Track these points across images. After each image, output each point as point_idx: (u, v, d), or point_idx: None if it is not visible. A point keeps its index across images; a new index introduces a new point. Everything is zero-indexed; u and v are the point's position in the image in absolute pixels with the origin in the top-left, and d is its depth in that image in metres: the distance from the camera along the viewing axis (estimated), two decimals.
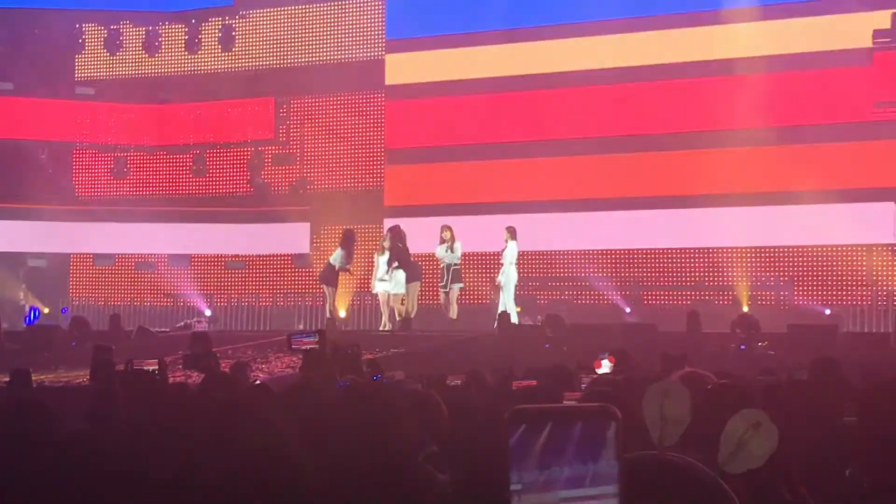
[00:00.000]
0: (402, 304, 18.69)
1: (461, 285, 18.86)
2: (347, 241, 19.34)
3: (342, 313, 19.81)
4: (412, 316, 18.82)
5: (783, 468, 3.60)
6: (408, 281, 18.58)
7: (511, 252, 18.60)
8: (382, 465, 3.69)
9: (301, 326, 21.08)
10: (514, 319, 18.27)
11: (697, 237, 20.56)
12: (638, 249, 21.00)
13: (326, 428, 4.08)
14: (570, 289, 20.78)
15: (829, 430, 4.06)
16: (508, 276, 18.58)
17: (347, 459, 3.68)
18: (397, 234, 18.83)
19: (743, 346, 15.23)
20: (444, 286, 18.73)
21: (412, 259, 18.89)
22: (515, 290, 18.70)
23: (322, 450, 3.82)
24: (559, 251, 20.60)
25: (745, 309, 19.24)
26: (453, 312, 18.68)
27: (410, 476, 3.77)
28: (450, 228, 18.81)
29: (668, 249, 20.82)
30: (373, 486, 3.56)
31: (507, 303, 18.45)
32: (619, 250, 21.08)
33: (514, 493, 1.62)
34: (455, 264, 18.63)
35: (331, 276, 19.14)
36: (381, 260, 18.74)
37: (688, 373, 5.03)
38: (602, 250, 21.14)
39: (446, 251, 18.64)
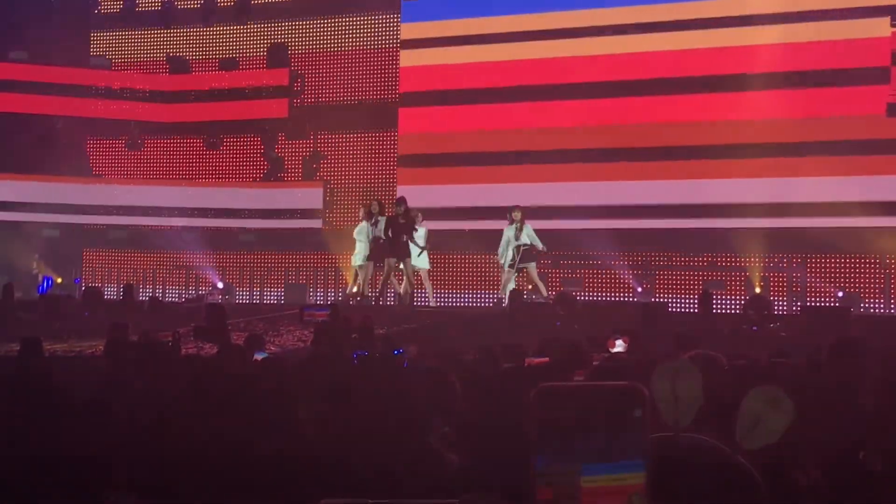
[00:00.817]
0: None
1: (534, 263, 18.49)
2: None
3: (354, 288, 19.77)
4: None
5: (795, 451, 3.58)
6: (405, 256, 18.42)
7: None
8: (394, 440, 3.69)
9: (314, 301, 21.16)
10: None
11: (710, 217, 20.47)
12: (651, 228, 20.93)
13: (339, 401, 4.08)
14: (581, 267, 20.74)
15: (846, 413, 4.04)
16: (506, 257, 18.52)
17: (360, 433, 3.67)
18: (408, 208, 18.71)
19: (755, 328, 15.19)
20: (512, 265, 18.27)
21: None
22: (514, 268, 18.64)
23: (334, 423, 3.82)
24: (571, 229, 20.51)
25: (758, 290, 19.20)
26: (543, 290, 18.35)
27: (422, 453, 3.76)
28: (521, 209, 18.49)
29: (681, 229, 20.74)
30: (384, 461, 3.55)
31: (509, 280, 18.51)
32: (632, 229, 21.02)
33: (539, 472, 1.58)
34: (525, 245, 18.28)
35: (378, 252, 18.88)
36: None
37: (698, 354, 5.00)
38: (614, 229, 21.07)
39: (514, 232, 18.22)
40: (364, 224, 19.05)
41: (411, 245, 18.41)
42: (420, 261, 18.70)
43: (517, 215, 18.30)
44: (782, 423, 2.88)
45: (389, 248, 18.36)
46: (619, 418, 1.61)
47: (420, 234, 18.69)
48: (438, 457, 3.89)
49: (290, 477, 3.42)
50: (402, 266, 18.45)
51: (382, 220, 18.71)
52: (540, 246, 18.27)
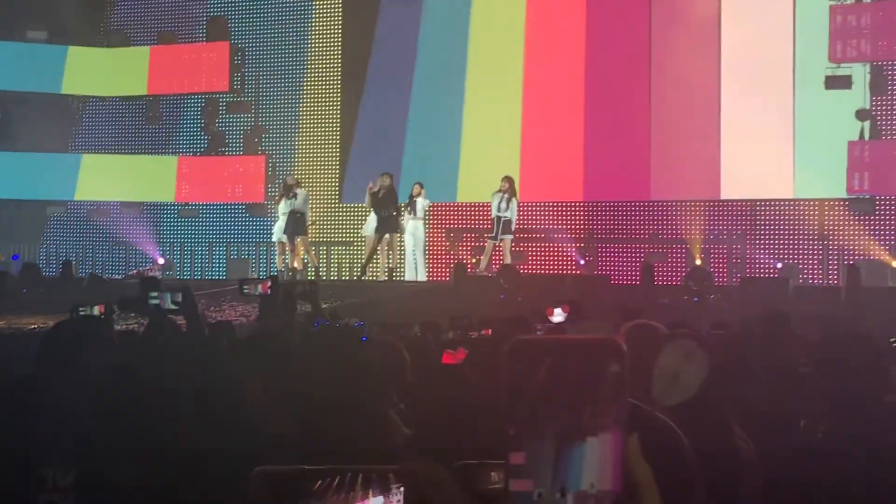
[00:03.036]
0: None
1: (511, 237, 18.49)
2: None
3: (296, 263, 19.73)
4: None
5: (724, 415, 3.61)
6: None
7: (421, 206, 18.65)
8: (350, 412, 3.67)
9: (256, 275, 21.02)
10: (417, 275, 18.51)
11: (653, 189, 20.61)
12: (593, 202, 21.04)
13: (291, 374, 4.05)
14: (524, 241, 20.80)
15: (783, 381, 4.08)
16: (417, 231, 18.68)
17: (314, 407, 3.65)
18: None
19: (696, 299, 15.35)
20: (494, 237, 18.30)
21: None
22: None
23: (288, 396, 3.79)
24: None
25: (698, 262, 19.37)
26: (507, 260, 18.25)
27: (379, 422, 3.75)
28: (510, 179, 18.45)
29: (623, 203, 20.88)
30: (340, 433, 3.53)
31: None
32: (575, 203, 21.11)
33: (512, 432, 1.51)
34: (507, 217, 18.21)
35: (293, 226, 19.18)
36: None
37: (640, 323, 5.02)
38: (557, 203, 21.16)
39: (500, 202, 18.18)
40: (283, 201, 19.32)
41: (414, 222, 18.42)
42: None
43: (505, 185, 18.28)
44: (698, 375, 2.88)
45: (378, 223, 18.39)
46: (594, 375, 1.54)
47: (419, 205, 18.60)
48: (395, 427, 3.88)
49: (235, 449, 3.38)
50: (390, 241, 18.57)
51: (301, 193, 18.89)
52: (514, 220, 18.33)
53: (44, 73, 24.03)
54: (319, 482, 1.56)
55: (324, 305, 11.02)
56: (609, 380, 1.52)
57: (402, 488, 1.57)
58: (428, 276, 19.57)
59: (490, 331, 7.74)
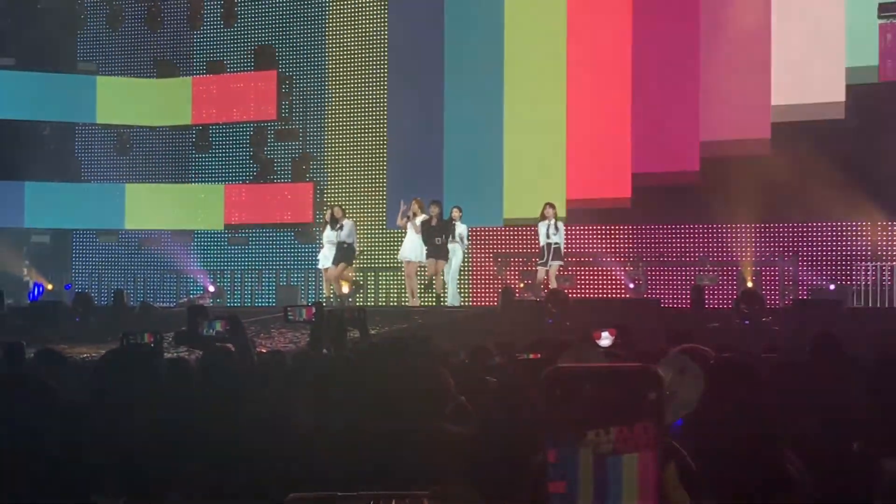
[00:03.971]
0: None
1: (561, 262, 18.55)
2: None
3: (345, 289, 19.79)
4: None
5: (784, 444, 3.56)
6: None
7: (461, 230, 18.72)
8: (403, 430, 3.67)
9: (303, 301, 21.13)
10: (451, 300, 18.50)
11: (701, 212, 20.47)
12: (642, 225, 20.93)
13: (334, 395, 4.07)
14: (573, 265, 20.72)
15: (835, 405, 4.03)
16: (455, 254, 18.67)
17: (353, 425, 3.66)
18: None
19: (747, 322, 15.19)
20: (544, 263, 18.35)
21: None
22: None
23: (330, 417, 3.80)
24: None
25: (749, 284, 19.20)
26: (553, 284, 18.26)
27: (434, 434, 3.74)
28: (553, 206, 18.49)
29: (672, 225, 20.76)
30: (379, 450, 3.53)
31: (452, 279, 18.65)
32: (624, 226, 21.02)
33: (550, 458, 1.53)
34: (556, 243, 18.30)
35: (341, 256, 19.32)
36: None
37: (687, 348, 4.98)
38: (606, 227, 21.08)
39: (548, 229, 18.25)
40: (328, 229, 19.37)
41: (451, 245, 18.47)
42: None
43: (550, 212, 18.32)
44: (694, 392, 2.84)
45: (430, 250, 18.54)
46: (631, 401, 1.55)
47: (458, 229, 18.66)
48: (437, 435, 3.88)
49: (286, 475, 3.40)
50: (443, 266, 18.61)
51: (347, 224, 18.99)
52: (563, 245, 18.36)
53: (79, 103, 24.40)
54: None
55: (372, 332, 11.04)
56: (647, 407, 1.53)
57: None
58: (461, 301, 19.55)
59: (539, 355, 7.70)
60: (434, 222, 18.55)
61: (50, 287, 23.73)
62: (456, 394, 4.26)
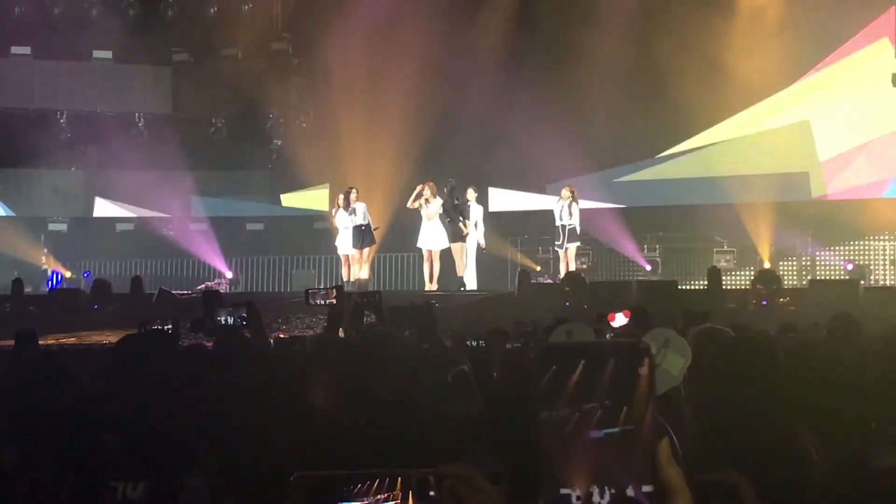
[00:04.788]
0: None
1: (577, 243, 18.47)
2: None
3: (363, 274, 19.78)
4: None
5: (792, 420, 3.56)
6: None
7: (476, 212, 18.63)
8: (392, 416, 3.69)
9: (321, 285, 21.14)
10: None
11: (720, 193, 20.42)
12: (659, 206, 20.90)
13: (353, 383, 4.09)
14: (590, 247, 20.70)
15: (852, 384, 4.03)
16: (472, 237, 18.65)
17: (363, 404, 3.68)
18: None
19: (764, 302, 15.16)
20: (560, 245, 18.28)
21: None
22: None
23: (354, 403, 3.83)
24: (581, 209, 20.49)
25: (767, 265, 19.15)
26: (572, 266, 18.22)
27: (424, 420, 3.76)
28: (571, 189, 18.42)
29: (689, 206, 20.71)
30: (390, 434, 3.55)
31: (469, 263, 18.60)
32: (640, 207, 20.99)
33: (544, 433, 1.54)
34: (571, 225, 18.16)
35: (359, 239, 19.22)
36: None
37: (706, 328, 4.99)
38: (622, 207, 21.06)
39: (561, 211, 18.16)
40: (341, 213, 19.21)
41: (464, 226, 18.45)
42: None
43: (566, 193, 18.26)
44: (679, 363, 2.84)
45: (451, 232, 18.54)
46: (623, 376, 1.57)
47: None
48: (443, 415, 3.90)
49: (302, 456, 3.42)
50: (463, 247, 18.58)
51: (360, 207, 18.86)
52: (578, 227, 18.30)
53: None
54: (359, 485, 1.59)
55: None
56: (639, 381, 1.55)
57: (440, 490, 1.59)
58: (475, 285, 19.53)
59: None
60: (453, 202, 18.48)
61: (68, 275, 23.83)
62: (457, 361, 4.28)
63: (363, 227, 19.10)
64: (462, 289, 18.55)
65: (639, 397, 1.54)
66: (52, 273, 23.65)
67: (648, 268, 20.71)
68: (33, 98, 24.66)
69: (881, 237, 19.57)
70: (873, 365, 4.12)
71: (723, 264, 19.30)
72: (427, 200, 18.60)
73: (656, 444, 1.54)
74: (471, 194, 18.66)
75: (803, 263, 19.79)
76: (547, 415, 1.53)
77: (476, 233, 18.69)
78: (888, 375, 3.68)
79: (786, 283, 17.41)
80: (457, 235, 18.41)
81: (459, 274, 18.66)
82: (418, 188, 18.76)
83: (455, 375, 4.24)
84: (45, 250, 24.40)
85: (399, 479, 1.61)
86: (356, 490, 1.60)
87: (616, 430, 1.53)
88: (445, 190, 18.60)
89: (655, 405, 1.56)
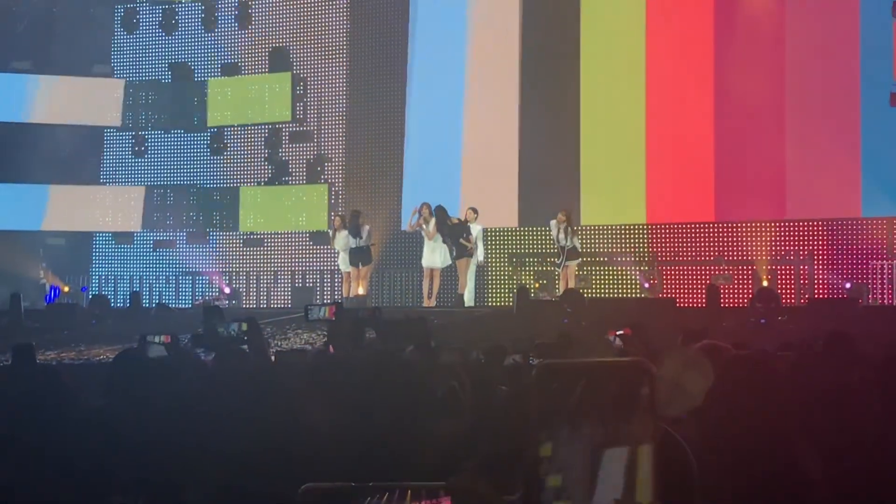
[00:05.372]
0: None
1: (578, 260, 18.71)
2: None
3: (361, 290, 19.80)
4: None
5: (790, 436, 3.56)
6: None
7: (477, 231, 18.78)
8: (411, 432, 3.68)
9: (319, 301, 21.15)
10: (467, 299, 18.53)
11: (718, 210, 20.43)
12: (657, 224, 20.90)
13: (356, 400, 4.09)
14: (589, 264, 20.71)
15: (848, 402, 4.03)
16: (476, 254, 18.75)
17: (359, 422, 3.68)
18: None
19: (763, 320, 15.16)
20: (560, 265, 18.44)
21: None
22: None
23: (351, 419, 3.83)
24: (575, 227, 20.50)
25: (765, 283, 19.15)
26: (571, 283, 18.34)
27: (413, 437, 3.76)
28: (566, 212, 18.53)
29: (687, 224, 20.72)
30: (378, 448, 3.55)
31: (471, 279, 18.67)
32: (638, 225, 21.00)
33: (545, 451, 1.53)
34: (570, 246, 18.35)
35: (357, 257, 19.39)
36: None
37: (707, 344, 4.99)
38: (620, 226, 21.06)
39: (558, 234, 18.32)
40: (344, 233, 19.36)
41: (466, 241, 18.53)
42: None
43: (562, 217, 18.38)
44: (700, 385, 2.84)
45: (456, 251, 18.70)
46: (625, 396, 1.56)
47: (476, 234, 18.70)
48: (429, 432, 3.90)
49: (301, 473, 3.41)
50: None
51: (366, 230, 19.29)
52: (579, 246, 18.52)
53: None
54: (369, 498, 1.59)
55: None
56: (640, 401, 1.54)
57: (450, 503, 1.59)
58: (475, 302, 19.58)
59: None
60: (449, 224, 18.65)
61: (66, 289, 23.82)
62: (449, 377, 4.28)
63: (363, 248, 19.28)
64: (462, 305, 18.60)
65: (640, 416, 1.53)
66: (51, 288, 23.64)
67: (647, 285, 20.71)
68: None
69: (881, 256, 19.57)
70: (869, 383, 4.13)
71: (721, 282, 19.30)
72: (426, 220, 18.77)
73: (659, 461, 1.53)
74: (470, 215, 18.79)
75: (802, 282, 19.79)
76: (548, 432, 1.52)
77: (477, 251, 18.81)
78: (884, 394, 3.68)
79: (784, 301, 17.39)
80: (461, 252, 18.55)
81: (461, 291, 18.73)
82: (413, 210, 18.92)
83: (445, 391, 4.24)
84: (44, 265, 24.40)
85: (409, 492, 1.61)
86: (366, 503, 1.60)
87: (617, 449, 1.53)
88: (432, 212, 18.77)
89: (658, 423, 1.55)
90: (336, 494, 1.61)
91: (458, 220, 18.87)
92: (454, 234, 18.63)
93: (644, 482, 1.54)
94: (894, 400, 3.41)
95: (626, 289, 20.85)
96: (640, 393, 1.56)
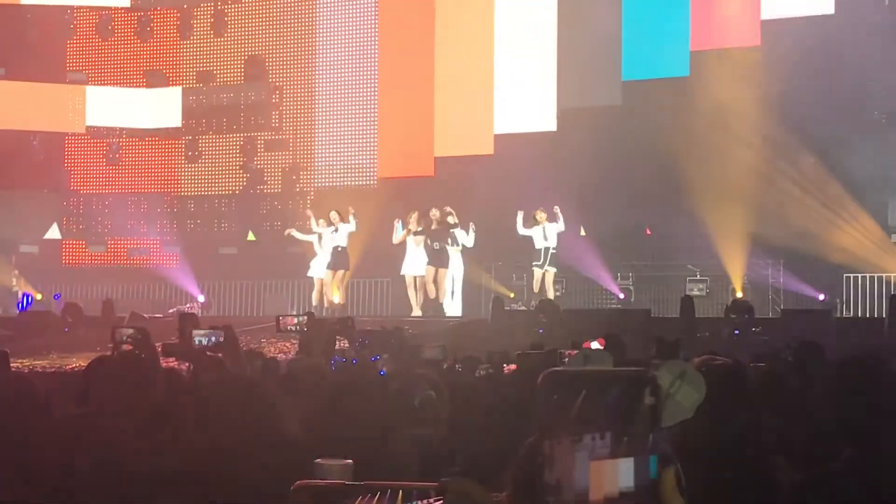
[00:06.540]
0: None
1: (556, 269, 18.64)
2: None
3: (336, 298, 19.71)
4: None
5: (762, 445, 3.58)
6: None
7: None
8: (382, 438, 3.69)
9: (294, 310, 21.05)
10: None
11: (689, 222, 20.51)
12: (632, 234, 20.95)
13: (328, 406, 4.09)
14: (564, 274, 20.73)
15: (816, 411, 4.06)
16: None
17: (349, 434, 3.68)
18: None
19: (737, 332, 15.19)
20: (541, 265, 18.41)
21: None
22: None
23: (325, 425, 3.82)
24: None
25: (739, 294, 19.22)
26: (550, 294, 18.38)
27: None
28: (545, 211, 18.46)
29: (662, 235, 20.78)
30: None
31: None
32: (613, 235, 21.04)
33: (547, 461, 1.53)
34: (553, 248, 18.34)
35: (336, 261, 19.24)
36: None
37: (707, 359, 5.00)
38: (595, 235, 21.10)
39: (540, 233, 18.31)
40: (326, 231, 19.16)
41: (452, 252, 18.42)
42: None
43: (542, 216, 18.29)
44: (693, 397, 2.86)
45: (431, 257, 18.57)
46: (627, 405, 1.56)
47: (464, 236, 18.59)
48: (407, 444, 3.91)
49: (278, 480, 3.40)
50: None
51: (344, 227, 18.74)
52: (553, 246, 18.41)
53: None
54: (360, 497, 1.59)
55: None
56: (644, 411, 1.54)
57: (441, 502, 1.59)
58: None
59: (516, 367, 7.71)
60: (433, 226, 18.53)
61: (38, 297, 23.64)
62: (425, 386, 4.30)
63: (340, 249, 19.04)
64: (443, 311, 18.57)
65: (643, 427, 1.53)
66: (23, 295, 23.47)
67: (622, 296, 20.76)
68: None
69: (854, 268, 19.67)
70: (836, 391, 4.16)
71: (696, 293, 19.36)
72: (411, 231, 18.64)
73: (661, 474, 1.53)
74: (451, 219, 18.69)
75: (775, 293, 19.88)
76: (550, 440, 1.52)
77: (460, 259, 18.74)
78: (847, 401, 3.71)
79: (758, 312, 17.46)
80: (440, 260, 18.41)
81: (440, 300, 18.65)
82: (397, 221, 18.77)
83: (422, 400, 4.27)
84: (16, 272, 24.22)
85: (401, 491, 1.62)
86: (357, 502, 1.60)
87: (619, 459, 1.52)
88: (413, 218, 18.67)
89: (660, 434, 1.55)
90: (328, 493, 1.61)
91: (449, 222, 18.68)
92: (440, 238, 18.50)
93: (644, 495, 1.54)
94: (851, 398, 3.44)
95: (600, 299, 20.88)
96: (644, 403, 1.56)
